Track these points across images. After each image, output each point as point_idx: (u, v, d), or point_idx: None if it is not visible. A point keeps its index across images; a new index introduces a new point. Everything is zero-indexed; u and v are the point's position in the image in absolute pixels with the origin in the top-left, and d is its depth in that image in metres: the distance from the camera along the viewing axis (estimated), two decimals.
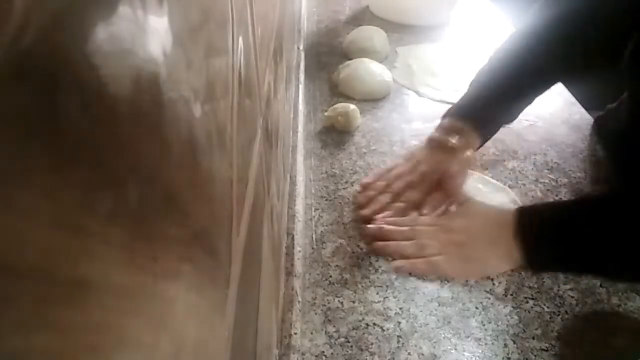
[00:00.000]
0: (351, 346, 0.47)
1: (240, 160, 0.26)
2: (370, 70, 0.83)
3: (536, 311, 0.51)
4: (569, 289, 0.53)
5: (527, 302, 0.52)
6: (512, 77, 0.66)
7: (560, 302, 0.52)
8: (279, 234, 0.49)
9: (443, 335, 0.48)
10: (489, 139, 0.68)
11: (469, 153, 0.64)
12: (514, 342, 0.48)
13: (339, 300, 0.51)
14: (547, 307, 0.51)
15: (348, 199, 0.64)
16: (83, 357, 0.10)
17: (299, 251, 0.55)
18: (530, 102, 0.68)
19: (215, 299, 0.20)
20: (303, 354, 0.46)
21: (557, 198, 0.65)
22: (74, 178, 0.09)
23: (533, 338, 0.48)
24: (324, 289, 0.52)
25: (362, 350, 0.47)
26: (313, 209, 0.62)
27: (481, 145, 0.67)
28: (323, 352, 0.46)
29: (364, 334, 0.48)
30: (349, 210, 0.62)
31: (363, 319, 0.49)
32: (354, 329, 0.48)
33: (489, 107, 0.66)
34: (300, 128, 0.74)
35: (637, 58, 0.62)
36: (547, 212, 0.54)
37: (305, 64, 0.92)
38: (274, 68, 0.45)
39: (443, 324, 0.49)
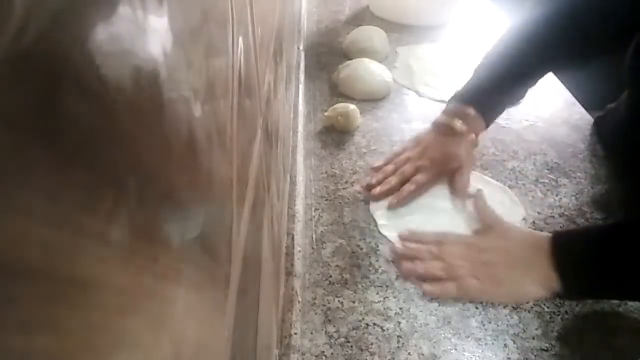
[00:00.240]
0: (351, 346, 0.47)
1: (240, 160, 0.26)
2: (370, 70, 0.83)
3: (536, 311, 0.51)
4: None
5: (527, 302, 0.52)
6: (514, 61, 0.67)
7: (560, 302, 0.52)
8: (279, 234, 0.49)
9: (443, 335, 0.48)
10: (493, 122, 0.69)
11: (473, 136, 0.66)
12: (514, 342, 0.48)
13: (339, 300, 0.51)
14: (547, 307, 0.51)
15: (348, 199, 0.64)
16: (83, 357, 0.10)
17: (299, 251, 0.55)
18: (533, 84, 0.69)
19: (215, 299, 0.20)
20: (303, 354, 0.46)
21: (557, 198, 0.65)
22: (74, 178, 0.09)
23: (533, 338, 0.48)
24: (324, 289, 0.52)
25: (362, 350, 0.47)
26: (313, 209, 0.62)
27: (486, 128, 0.68)
28: (323, 352, 0.46)
29: (364, 334, 0.48)
30: (349, 210, 0.62)
31: (363, 319, 0.49)
32: (354, 329, 0.48)
33: (492, 90, 0.67)
34: (300, 128, 0.74)
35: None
36: (584, 241, 0.52)
37: (305, 64, 0.92)
38: (274, 68, 0.45)
39: (443, 324, 0.49)
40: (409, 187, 0.63)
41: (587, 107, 0.84)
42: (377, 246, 0.57)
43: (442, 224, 0.60)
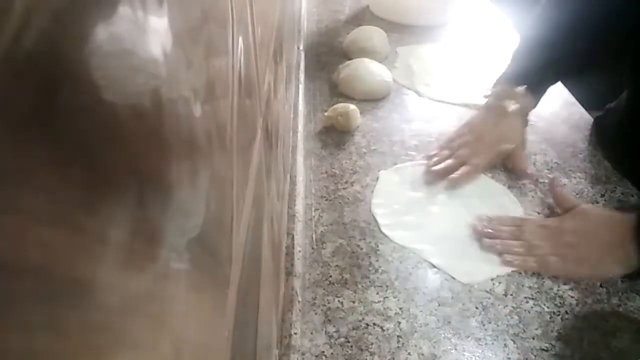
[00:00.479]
0: (351, 346, 0.47)
1: (240, 160, 0.26)
2: (370, 70, 0.83)
3: (536, 311, 0.51)
4: (569, 289, 0.53)
5: (527, 302, 0.52)
6: (555, 48, 0.69)
7: (560, 302, 0.52)
8: (279, 234, 0.49)
9: (443, 335, 0.48)
10: (539, 100, 0.72)
11: (524, 115, 0.69)
12: (514, 342, 0.48)
13: (339, 300, 0.51)
14: (547, 307, 0.51)
15: (348, 199, 0.64)
16: (83, 357, 0.10)
17: (299, 251, 0.55)
18: (565, 75, 0.73)
19: (215, 299, 0.20)
20: (303, 354, 0.46)
21: None
22: (73, 178, 0.09)
23: (533, 338, 0.48)
24: (324, 289, 0.52)
25: (362, 350, 0.47)
26: (313, 209, 0.62)
27: (535, 107, 0.71)
28: (323, 352, 0.46)
29: (364, 334, 0.48)
30: (349, 210, 0.62)
31: (363, 319, 0.49)
32: (354, 329, 0.48)
33: (538, 69, 0.70)
34: (300, 128, 0.74)
35: None
36: None
37: (305, 64, 0.92)
38: (274, 68, 0.45)
39: (443, 324, 0.49)
40: (466, 169, 0.65)
41: (587, 107, 0.84)
42: (377, 246, 0.57)
43: (444, 225, 0.60)
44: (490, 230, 0.58)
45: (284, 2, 0.61)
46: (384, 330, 0.48)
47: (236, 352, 0.22)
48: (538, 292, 0.53)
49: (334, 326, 0.48)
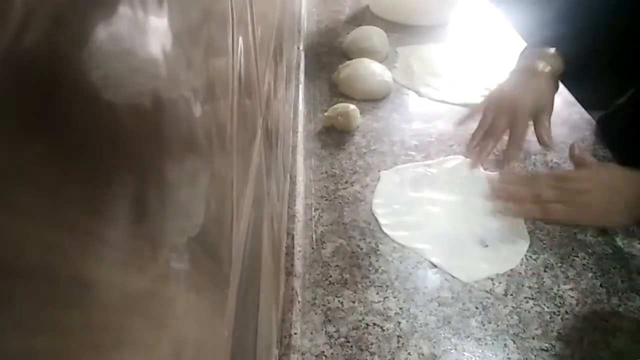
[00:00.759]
0: (351, 346, 0.47)
1: (240, 160, 0.26)
2: (370, 70, 0.83)
3: (536, 311, 0.51)
4: (569, 289, 0.53)
5: (527, 302, 0.52)
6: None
7: (560, 302, 0.52)
8: (279, 234, 0.49)
9: (443, 335, 0.48)
10: (568, 64, 0.70)
11: (557, 79, 0.69)
12: (514, 342, 0.48)
13: (339, 300, 0.51)
14: (547, 307, 0.51)
15: (348, 199, 0.64)
16: (83, 357, 0.10)
17: (299, 251, 0.55)
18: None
19: (215, 299, 0.20)
20: (303, 354, 0.46)
21: None
22: (74, 178, 0.09)
23: (533, 338, 0.48)
24: (324, 289, 0.52)
25: (362, 350, 0.47)
26: (313, 209, 0.62)
27: (564, 69, 0.69)
28: (323, 352, 0.46)
29: (364, 334, 0.48)
30: (349, 210, 0.62)
31: (363, 319, 0.49)
32: (354, 329, 0.48)
33: (566, 32, 0.69)
34: (300, 128, 0.74)
35: None
36: None
37: (305, 64, 0.92)
38: (274, 68, 0.45)
39: (443, 324, 0.49)
40: (509, 148, 0.66)
41: (587, 107, 0.84)
42: (377, 246, 0.57)
43: (444, 224, 0.60)
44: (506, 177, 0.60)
45: (284, 2, 0.61)
46: (384, 330, 0.48)
47: (236, 352, 0.22)
48: (538, 292, 0.53)
49: (334, 326, 0.48)
